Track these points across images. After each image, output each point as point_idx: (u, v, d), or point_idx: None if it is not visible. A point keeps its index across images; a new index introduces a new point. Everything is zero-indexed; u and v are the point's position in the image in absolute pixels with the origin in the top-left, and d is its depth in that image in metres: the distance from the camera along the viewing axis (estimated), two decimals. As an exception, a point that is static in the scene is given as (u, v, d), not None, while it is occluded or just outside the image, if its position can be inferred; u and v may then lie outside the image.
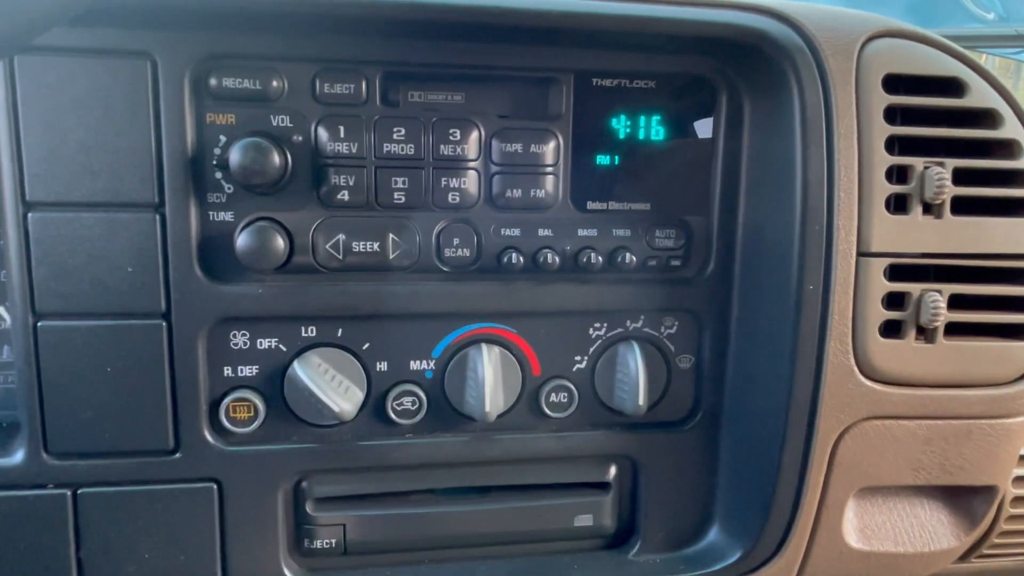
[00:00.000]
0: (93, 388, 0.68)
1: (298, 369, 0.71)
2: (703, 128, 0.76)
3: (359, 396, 0.73)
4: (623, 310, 0.78)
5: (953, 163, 0.72)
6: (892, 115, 0.71)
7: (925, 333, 0.74)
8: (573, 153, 0.74)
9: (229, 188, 0.68)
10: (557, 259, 0.73)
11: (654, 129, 0.75)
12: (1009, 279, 0.75)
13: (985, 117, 0.73)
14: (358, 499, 0.78)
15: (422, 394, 0.75)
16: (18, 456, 0.69)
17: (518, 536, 0.81)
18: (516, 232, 0.74)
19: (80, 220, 0.66)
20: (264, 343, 0.72)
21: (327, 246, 0.70)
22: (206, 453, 0.72)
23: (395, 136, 0.70)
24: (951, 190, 0.71)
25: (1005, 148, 0.74)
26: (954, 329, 0.74)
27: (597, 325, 0.78)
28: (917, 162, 0.71)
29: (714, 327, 0.79)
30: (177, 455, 0.71)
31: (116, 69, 0.64)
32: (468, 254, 0.73)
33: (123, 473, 0.71)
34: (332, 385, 0.71)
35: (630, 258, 0.75)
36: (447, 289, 0.74)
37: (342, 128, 0.69)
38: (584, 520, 0.82)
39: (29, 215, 0.65)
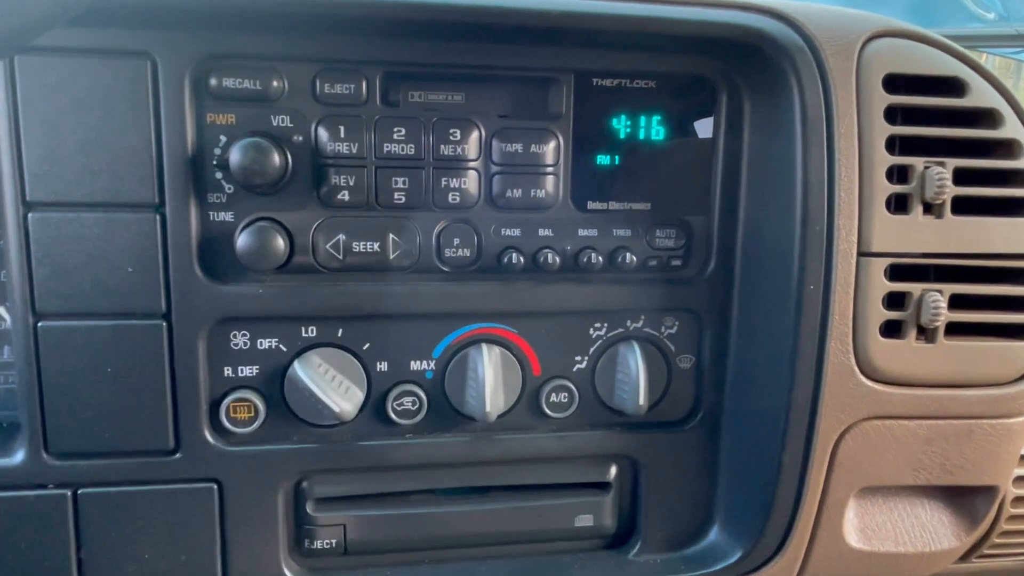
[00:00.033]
0: (93, 388, 0.68)
1: (298, 369, 0.71)
2: (703, 128, 0.76)
3: (359, 396, 0.73)
4: (623, 310, 0.78)
5: (954, 163, 0.72)
6: (892, 115, 0.71)
7: (926, 333, 0.74)
8: (573, 153, 0.74)
9: (229, 188, 0.68)
10: (557, 259, 0.73)
11: (654, 129, 0.75)
12: (1010, 279, 0.75)
13: (985, 117, 0.73)
14: (358, 499, 0.78)
15: (422, 394, 0.75)
16: (18, 456, 0.69)
17: (518, 536, 0.81)
18: (516, 232, 0.74)
19: (80, 220, 0.66)
20: (264, 343, 0.72)
21: (327, 246, 0.70)
22: (206, 453, 0.72)
23: (395, 136, 0.70)
24: (952, 190, 0.71)
25: (1005, 148, 0.74)
26: (955, 329, 0.74)
27: (597, 325, 0.78)
28: (918, 162, 0.71)
29: (714, 327, 0.79)
30: (177, 455, 0.71)
31: (116, 69, 0.64)
32: (468, 254, 0.73)
33: (123, 473, 0.71)
34: (332, 385, 0.71)
35: (630, 258, 0.75)
36: (447, 289, 0.74)
37: (342, 128, 0.69)
38: (584, 520, 0.82)
39: (29, 215, 0.65)
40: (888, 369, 0.73)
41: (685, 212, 0.77)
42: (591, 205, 0.75)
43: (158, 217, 0.67)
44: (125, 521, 0.71)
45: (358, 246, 0.71)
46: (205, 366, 0.71)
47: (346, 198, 0.70)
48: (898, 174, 0.72)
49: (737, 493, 0.81)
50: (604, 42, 0.71)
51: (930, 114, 0.72)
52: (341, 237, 0.70)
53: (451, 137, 0.71)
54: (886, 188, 0.70)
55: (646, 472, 0.82)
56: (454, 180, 0.71)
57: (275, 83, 0.67)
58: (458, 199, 0.72)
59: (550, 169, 0.73)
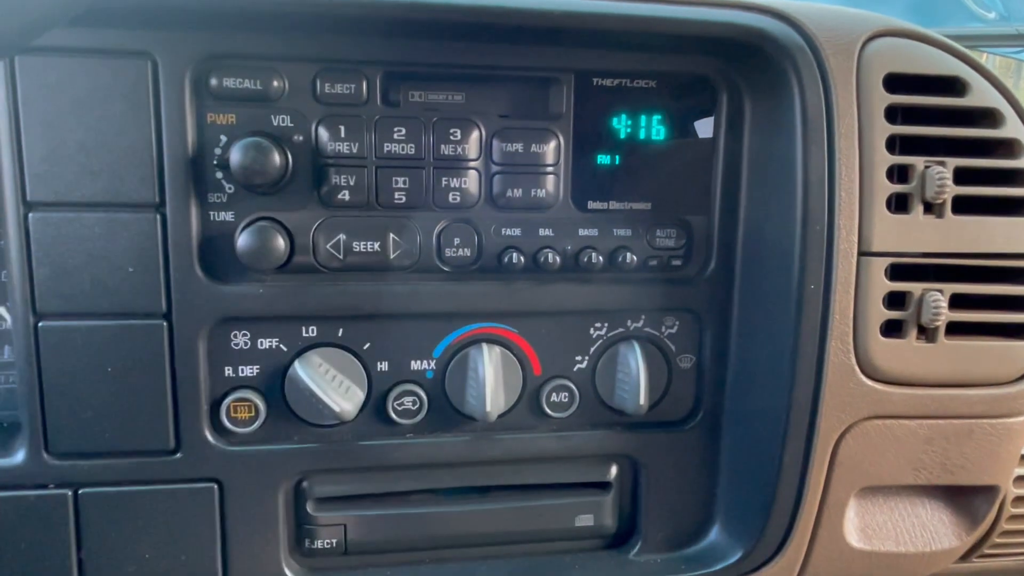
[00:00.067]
0: (94, 388, 0.68)
1: (299, 369, 0.71)
2: (704, 128, 0.76)
3: (360, 396, 0.73)
4: (624, 310, 0.78)
5: (954, 162, 0.72)
6: (893, 114, 0.71)
7: (926, 333, 0.74)
8: (574, 153, 0.74)
9: (230, 188, 0.68)
10: (558, 259, 0.73)
11: (655, 129, 0.75)
12: (1010, 278, 0.75)
13: (986, 116, 0.73)
14: (359, 499, 0.78)
15: (423, 394, 0.75)
16: (19, 456, 0.69)
17: (519, 536, 0.81)
18: (517, 232, 0.74)
19: (81, 220, 0.66)
20: (265, 343, 0.72)
21: (328, 246, 0.70)
22: (207, 453, 0.72)
23: (396, 136, 0.70)
24: (952, 189, 0.71)
25: (1006, 147, 0.74)
26: (955, 329, 0.74)
27: (598, 325, 0.78)
28: (918, 161, 0.71)
29: (715, 327, 0.79)
30: (178, 455, 0.71)
31: (116, 69, 0.64)
32: (469, 254, 0.73)
33: (124, 473, 0.71)
34: (333, 385, 0.71)
35: (631, 258, 0.75)
36: (448, 289, 0.74)
37: (343, 128, 0.69)
38: (585, 520, 0.82)
39: (30, 215, 0.65)
40: (889, 369, 0.73)
41: (685, 212, 0.77)
42: (591, 205, 0.75)
43: (158, 217, 0.67)
44: (125, 521, 0.71)
45: (358, 246, 0.71)
46: (205, 366, 0.71)
47: (346, 198, 0.70)
48: (898, 174, 0.72)
49: (737, 493, 0.81)
50: (605, 42, 0.70)
51: (930, 114, 0.72)
52: (341, 237, 0.70)
53: (451, 137, 0.71)
54: (886, 188, 0.70)
55: (646, 472, 0.82)
56: (454, 180, 0.71)
57: (275, 83, 0.67)
58: (458, 199, 0.72)
59: (550, 169, 0.73)
